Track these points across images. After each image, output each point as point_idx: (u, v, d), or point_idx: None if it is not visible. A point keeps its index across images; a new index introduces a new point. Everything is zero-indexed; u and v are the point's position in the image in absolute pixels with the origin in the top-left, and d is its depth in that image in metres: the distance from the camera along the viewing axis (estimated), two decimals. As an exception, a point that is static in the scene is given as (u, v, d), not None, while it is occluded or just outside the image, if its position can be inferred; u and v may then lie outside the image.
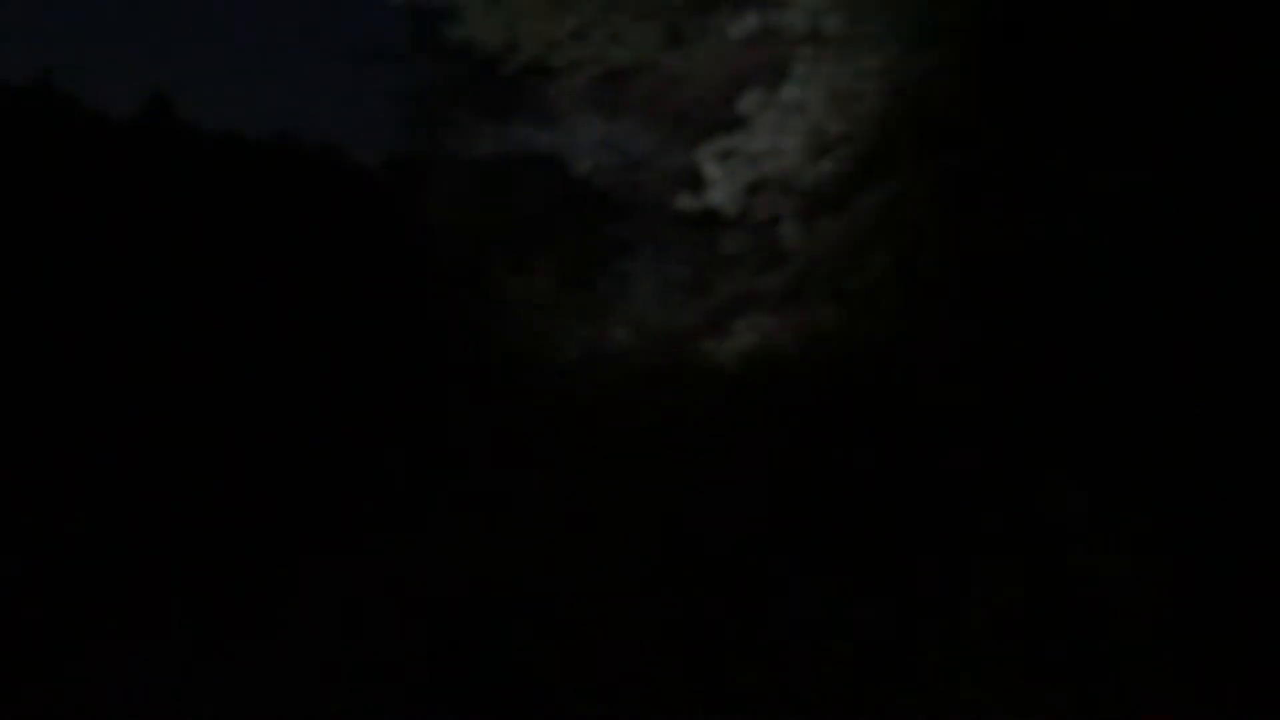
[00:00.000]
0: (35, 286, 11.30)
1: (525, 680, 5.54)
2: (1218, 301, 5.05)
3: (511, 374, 9.60)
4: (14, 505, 7.94)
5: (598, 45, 8.19)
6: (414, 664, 6.00)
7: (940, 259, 7.50)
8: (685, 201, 7.63)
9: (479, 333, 10.05)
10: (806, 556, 5.42)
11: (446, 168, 11.21)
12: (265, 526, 7.96)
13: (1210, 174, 5.56)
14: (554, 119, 9.35)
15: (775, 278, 7.81)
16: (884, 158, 8.13)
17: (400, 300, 10.77)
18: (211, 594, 7.01)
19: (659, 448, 8.11)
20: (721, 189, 7.37)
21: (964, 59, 7.25)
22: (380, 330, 10.58)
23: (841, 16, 7.06)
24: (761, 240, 8.01)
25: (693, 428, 8.07)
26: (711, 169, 7.41)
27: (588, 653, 5.55)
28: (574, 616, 6.09)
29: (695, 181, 7.61)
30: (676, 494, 7.37)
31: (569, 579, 6.62)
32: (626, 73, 8.37)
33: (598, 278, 9.39)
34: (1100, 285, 6.25)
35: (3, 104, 15.40)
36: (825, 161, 7.27)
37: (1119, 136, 6.55)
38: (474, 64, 11.20)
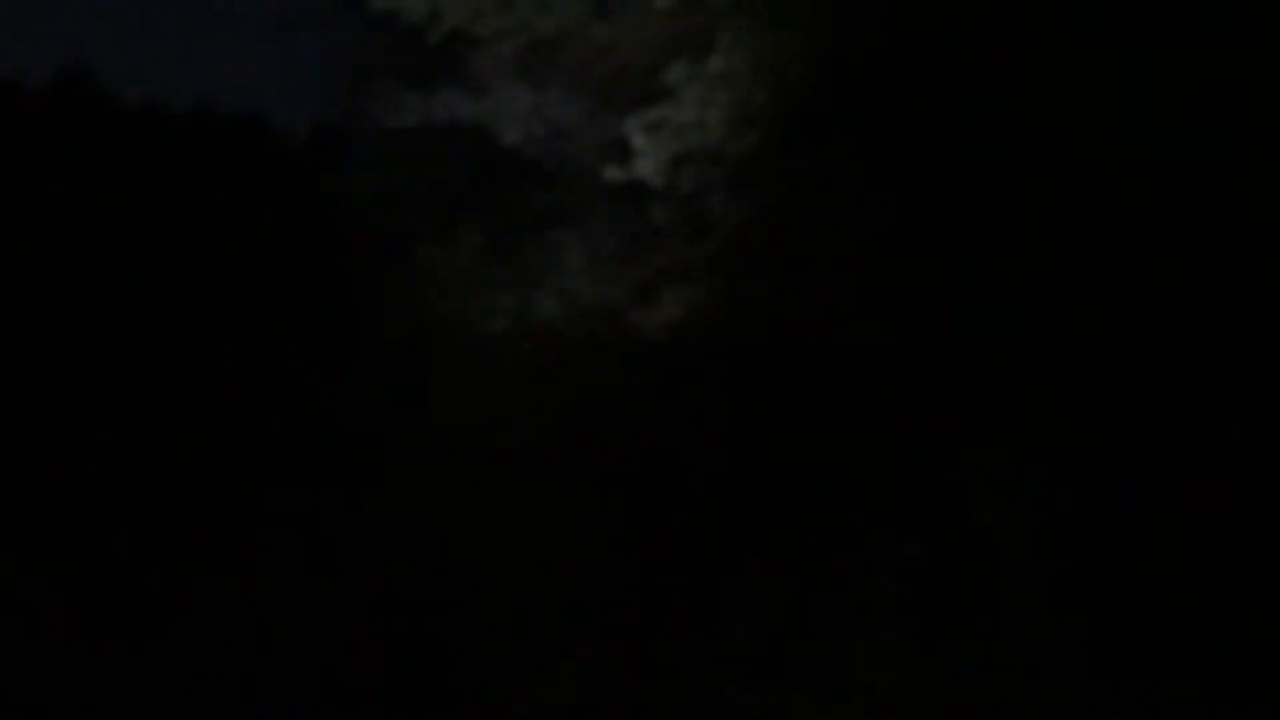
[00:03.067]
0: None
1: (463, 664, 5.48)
2: (1123, 274, 5.17)
3: (439, 347, 9.49)
4: None
5: (523, 14, 8.11)
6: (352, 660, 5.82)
7: (867, 230, 7.57)
8: (612, 173, 7.61)
9: (405, 306, 9.91)
10: (733, 525, 5.45)
11: (372, 139, 11.02)
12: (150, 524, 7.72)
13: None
14: (480, 89, 9.22)
15: (703, 249, 7.83)
16: (810, 130, 8.18)
17: (324, 274, 10.59)
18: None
19: (588, 421, 8.10)
20: (648, 160, 7.37)
21: (888, 30, 7.29)
22: (305, 303, 10.41)
23: (766, -13, 7.06)
24: (689, 212, 8.01)
25: (622, 400, 8.07)
26: (638, 140, 7.41)
27: (526, 633, 5.52)
28: (510, 599, 6.06)
29: (623, 152, 7.59)
30: (608, 467, 7.38)
31: (503, 559, 6.59)
32: (553, 42, 8.29)
33: (525, 249, 9.30)
34: (1024, 257, 6.35)
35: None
36: (751, 133, 7.27)
37: (1039, 105, 6.64)
38: (399, 33, 11.03)
